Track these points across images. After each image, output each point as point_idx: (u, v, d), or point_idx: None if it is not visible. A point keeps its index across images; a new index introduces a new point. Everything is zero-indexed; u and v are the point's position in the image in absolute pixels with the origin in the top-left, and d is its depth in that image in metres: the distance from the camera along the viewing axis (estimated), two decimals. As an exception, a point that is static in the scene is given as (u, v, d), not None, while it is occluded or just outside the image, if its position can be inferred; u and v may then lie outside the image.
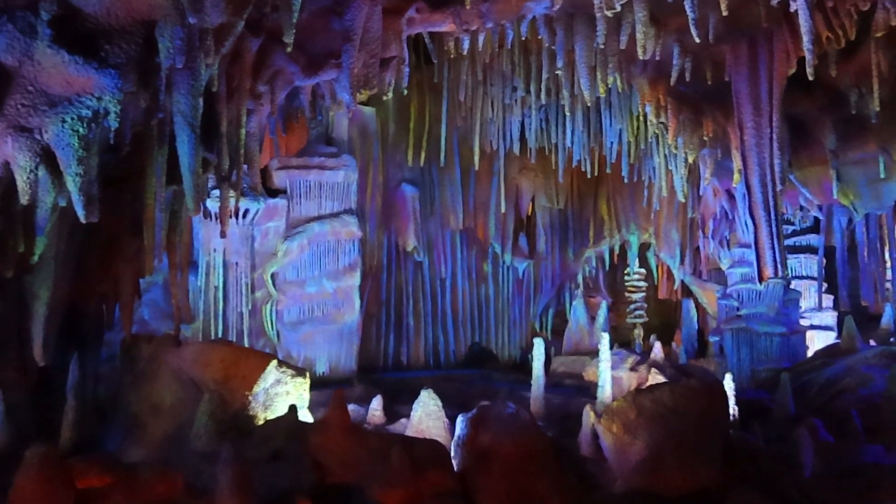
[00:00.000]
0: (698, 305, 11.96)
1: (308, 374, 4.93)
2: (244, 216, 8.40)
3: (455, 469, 4.48)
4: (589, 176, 10.94)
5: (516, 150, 10.48)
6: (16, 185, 3.58)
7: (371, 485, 4.02)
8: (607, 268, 12.43)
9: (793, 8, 5.83)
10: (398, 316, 10.59)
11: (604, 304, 10.01)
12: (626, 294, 12.63)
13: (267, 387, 4.67)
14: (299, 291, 8.85)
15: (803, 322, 9.66)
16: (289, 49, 4.82)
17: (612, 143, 9.92)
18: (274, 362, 4.76)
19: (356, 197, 9.36)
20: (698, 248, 11.55)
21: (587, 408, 6.12)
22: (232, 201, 5.16)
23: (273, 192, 8.87)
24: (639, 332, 11.56)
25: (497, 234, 11.28)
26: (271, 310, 8.81)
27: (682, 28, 7.04)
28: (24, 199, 3.51)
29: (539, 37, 7.39)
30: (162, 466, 3.28)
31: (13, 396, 4.28)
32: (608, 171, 10.73)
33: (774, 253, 6.76)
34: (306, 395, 4.88)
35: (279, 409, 4.70)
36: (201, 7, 3.89)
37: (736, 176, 7.70)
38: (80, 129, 3.57)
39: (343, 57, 5.34)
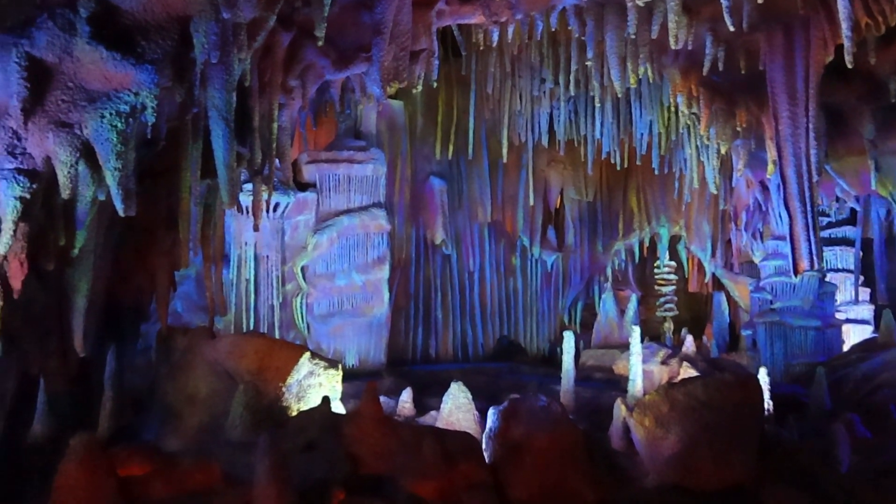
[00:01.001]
0: (730, 299, 11.80)
1: (340, 366, 4.97)
2: (275, 210, 8.49)
3: (486, 461, 4.49)
4: (618, 168, 10.84)
5: (545, 142, 10.41)
6: (56, 180, 3.65)
7: (404, 476, 4.04)
8: (637, 261, 12.31)
9: (831, -6, 5.72)
10: (427, 309, 10.62)
11: (634, 298, 9.92)
12: (656, 287, 12.49)
13: (300, 378, 4.72)
14: (329, 284, 8.93)
15: (839, 316, 9.48)
16: (320, 43, 4.84)
17: (642, 134, 9.81)
18: (307, 354, 4.81)
19: (385, 190, 9.40)
20: (730, 240, 11.40)
21: (618, 401, 6.07)
22: (264, 195, 5.20)
23: (303, 186, 8.95)
24: (669, 326, 11.42)
25: (525, 227, 11.24)
26: (301, 303, 8.90)
27: (715, 16, 6.92)
28: (65, 194, 3.58)
29: (569, 27, 7.31)
30: (200, 456, 3.34)
31: (55, 386, 4.39)
32: (638, 162, 10.60)
33: (810, 245, 6.63)
34: (339, 387, 4.93)
35: (312, 401, 4.75)
36: (235, 2, 3.92)
37: (770, 167, 7.56)
38: (119, 124, 3.62)
39: (373, 50, 5.34)
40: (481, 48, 7.91)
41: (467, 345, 10.92)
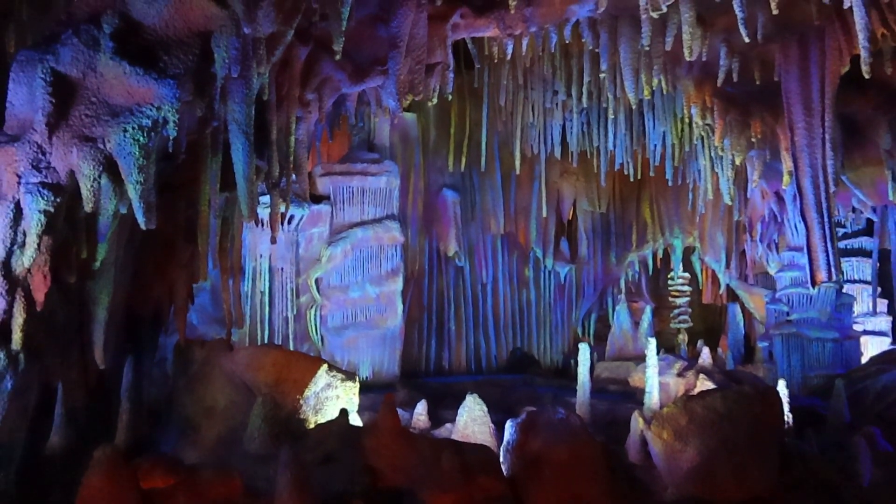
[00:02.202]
0: (744, 310, 11.72)
1: (357, 379, 4.97)
2: (289, 222, 8.53)
3: (504, 474, 4.46)
4: (631, 179, 10.82)
5: (557, 153, 10.41)
6: (79, 194, 3.69)
7: (422, 489, 4.02)
8: (650, 272, 12.26)
9: (846, 5, 5.70)
10: (440, 321, 10.61)
11: (648, 309, 9.87)
12: (670, 299, 12.42)
13: (317, 391, 4.72)
14: (343, 296, 8.94)
15: (857, 327, 9.39)
16: (337, 57, 4.89)
17: (655, 145, 9.78)
18: (324, 366, 4.81)
19: (398, 202, 9.42)
20: (744, 251, 11.33)
21: (635, 414, 6.02)
22: (281, 208, 5.23)
23: (317, 199, 8.99)
24: (683, 338, 11.36)
25: (538, 239, 11.22)
26: (315, 314, 8.91)
27: (730, 28, 6.93)
28: (88, 207, 3.62)
29: (583, 40, 7.33)
30: (222, 468, 3.34)
31: (74, 398, 4.40)
32: (652, 174, 10.58)
33: (828, 256, 6.59)
34: (356, 399, 4.93)
35: (329, 413, 4.75)
36: (255, 17, 3.97)
37: (786, 178, 7.54)
38: (141, 138, 3.67)
39: (390, 63, 5.39)
40: (495, 61, 7.93)
41: (480, 357, 10.89)
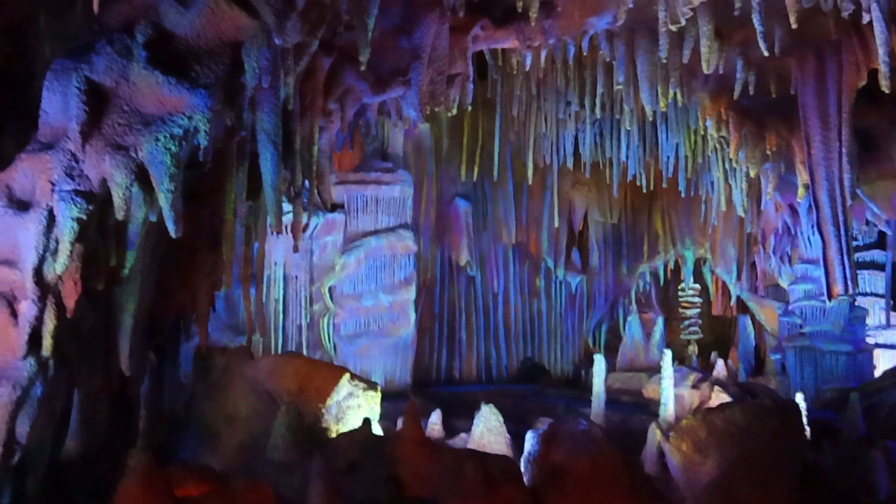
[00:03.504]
0: (754, 322, 11.70)
1: (379, 388, 4.98)
2: (304, 230, 8.55)
3: (526, 485, 4.46)
4: (644, 190, 10.84)
5: (569, 164, 10.44)
6: (109, 201, 3.72)
7: (446, 499, 4.02)
8: (661, 283, 12.26)
9: (865, 20, 5.72)
10: (451, 330, 10.62)
11: (660, 321, 9.87)
12: (680, 310, 12.42)
13: (340, 400, 4.73)
14: (356, 305, 8.95)
15: (869, 340, 9.38)
16: (362, 67, 4.92)
17: (668, 157, 9.80)
18: (347, 375, 4.83)
19: (411, 211, 9.44)
20: (754, 263, 11.33)
21: (653, 425, 6.03)
22: (304, 217, 5.26)
23: (331, 207, 9.01)
24: (693, 349, 11.35)
25: (550, 249, 11.23)
26: (328, 323, 8.93)
27: (746, 41, 6.96)
28: (119, 215, 3.64)
29: (600, 52, 7.37)
30: (253, 477, 3.35)
31: (96, 405, 4.41)
32: (664, 185, 10.60)
33: (844, 269, 6.59)
34: (377, 409, 4.93)
35: (350, 422, 4.75)
36: (285, 28, 4.01)
37: (801, 191, 7.56)
38: (173, 147, 3.70)
39: (412, 74, 5.42)
40: (514, 73, 7.98)
41: (491, 366, 10.89)
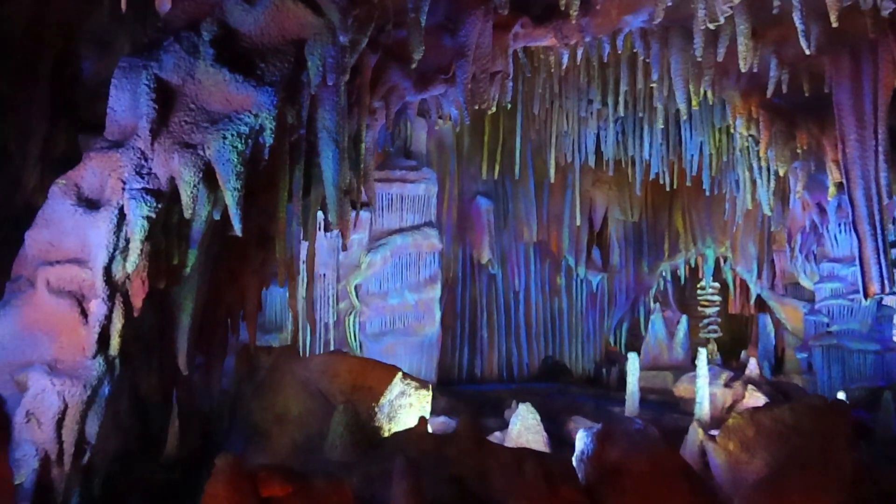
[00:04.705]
0: (773, 320, 11.71)
1: (430, 387, 4.96)
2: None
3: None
4: (667, 189, 10.83)
5: (591, 162, 10.43)
6: (174, 199, 3.70)
7: (507, 499, 4.01)
8: (682, 281, 12.26)
9: (906, 18, 5.73)
10: (472, 328, 10.61)
11: (684, 319, 9.88)
12: (699, 308, 12.42)
13: (392, 398, 4.72)
14: (382, 303, 8.93)
15: (897, 339, 9.39)
16: (414, 65, 4.90)
17: (692, 155, 9.80)
18: (399, 374, 4.81)
19: (435, 209, 9.42)
20: (773, 261, 11.33)
21: (694, 424, 6.02)
22: (351, 214, 5.24)
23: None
24: (713, 348, 11.35)
25: (571, 247, 11.23)
26: (354, 321, 8.92)
27: (780, 40, 6.96)
28: (187, 213, 3.62)
29: (634, 50, 7.37)
30: (334, 477, 3.33)
31: (153, 404, 4.40)
32: (688, 184, 10.60)
33: (881, 268, 6.60)
34: (428, 407, 4.92)
35: (402, 421, 4.74)
36: (348, 26, 3.99)
37: (832, 189, 7.56)
38: (239, 145, 3.68)
39: (457, 72, 5.41)
40: (552, 69, 7.97)
41: (512, 365, 10.88)
